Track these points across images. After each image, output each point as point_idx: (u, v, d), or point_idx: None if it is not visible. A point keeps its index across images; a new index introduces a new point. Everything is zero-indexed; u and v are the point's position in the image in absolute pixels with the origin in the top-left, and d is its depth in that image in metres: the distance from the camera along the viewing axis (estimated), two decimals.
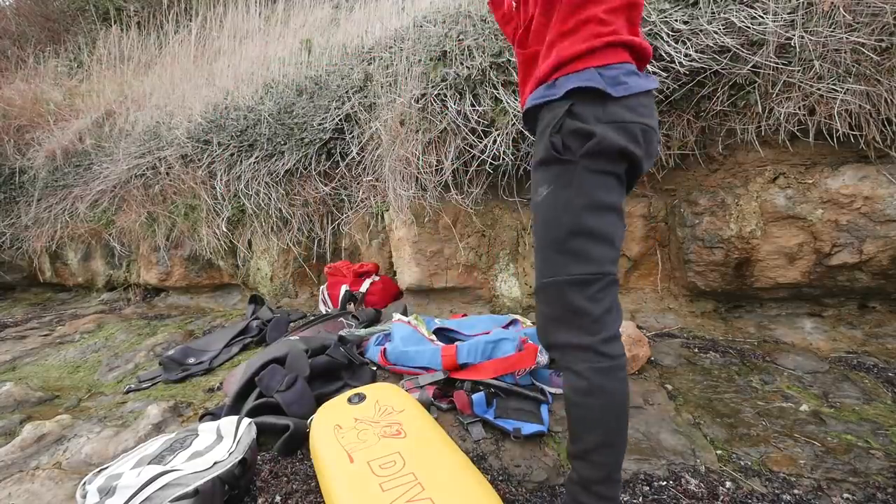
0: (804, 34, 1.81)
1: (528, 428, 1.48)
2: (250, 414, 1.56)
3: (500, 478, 1.34)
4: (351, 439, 1.29)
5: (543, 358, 1.68)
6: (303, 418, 1.61)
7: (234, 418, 1.43)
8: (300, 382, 1.71)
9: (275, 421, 1.50)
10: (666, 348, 2.04)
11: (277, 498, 1.30)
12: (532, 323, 2.09)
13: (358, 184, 2.78)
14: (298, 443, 1.48)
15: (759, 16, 1.87)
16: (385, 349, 1.98)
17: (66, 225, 3.86)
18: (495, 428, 1.52)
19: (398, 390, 1.53)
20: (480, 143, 2.29)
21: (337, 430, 1.34)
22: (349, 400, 1.47)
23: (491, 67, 2.28)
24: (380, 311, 2.66)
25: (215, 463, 1.25)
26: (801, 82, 1.85)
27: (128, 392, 2.14)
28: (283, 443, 1.46)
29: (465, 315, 2.43)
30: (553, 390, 1.71)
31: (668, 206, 2.29)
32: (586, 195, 0.92)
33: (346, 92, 2.78)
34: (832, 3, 1.77)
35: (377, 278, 2.81)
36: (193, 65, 4.30)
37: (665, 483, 1.29)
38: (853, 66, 1.79)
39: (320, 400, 1.73)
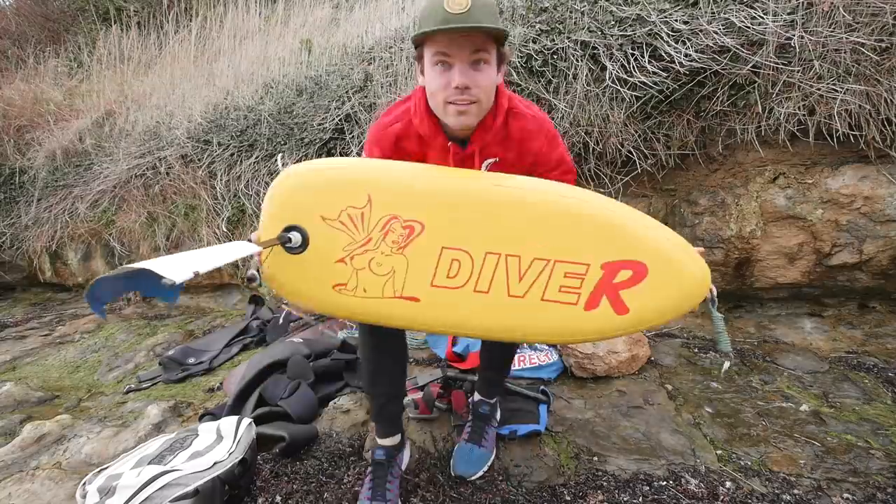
0: (804, 34, 1.81)
1: (524, 429, 1.48)
2: (255, 423, 1.57)
3: (500, 478, 1.34)
4: (374, 283, 0.95)
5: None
6: (307, 421, 1.62)
7: (234, 418, 1.44)
8: (303, 387, 1.72)
9: (272, 432, 1.51)
10: (666, 348, 2.04)
11: (277, 498, 1.30)
12: None
13: None
14: (296, 449, 1.49)
15: (759, 16, 1.88)
16: None
17: (66, 225, 3.85)
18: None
19: (323, 173, 1.02)
20: None
21: (342, 291, 0.96)
22: (290, 250, 0.96)
23: None
24: None
25: (215, 463, 1.25)
26: (801, 82, 1.85)
27: (128, 392, 2.14)
28: (280, 452, 1.47)
29: None
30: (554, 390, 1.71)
31: (668, 206, 2.29)
32: None
33: (346, 92, 2.78)
34: (832, 3, 1.77)
35: None
36: (193, 65, 4.30)
37: (665, 483, 1.29)
38: (853, 66, 1.79)
39: (323, 402, 1.74)
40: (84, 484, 1.26)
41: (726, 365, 1.00)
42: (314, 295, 0.99)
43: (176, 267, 0.71)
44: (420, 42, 0.95)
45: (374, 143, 1.11)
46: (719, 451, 1.41)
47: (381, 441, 1.27)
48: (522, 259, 0.91)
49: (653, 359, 1.96)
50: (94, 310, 0.80)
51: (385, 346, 1.15)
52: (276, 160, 1.09)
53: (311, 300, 1.01)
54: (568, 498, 1.26)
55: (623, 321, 0.89)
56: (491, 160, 1.05)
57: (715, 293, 0.95)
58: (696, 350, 2.02)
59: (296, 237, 0.96)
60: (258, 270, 0.96)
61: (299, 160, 2.87)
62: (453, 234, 0.94)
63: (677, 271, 0.90)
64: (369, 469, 1.25)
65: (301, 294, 1.00)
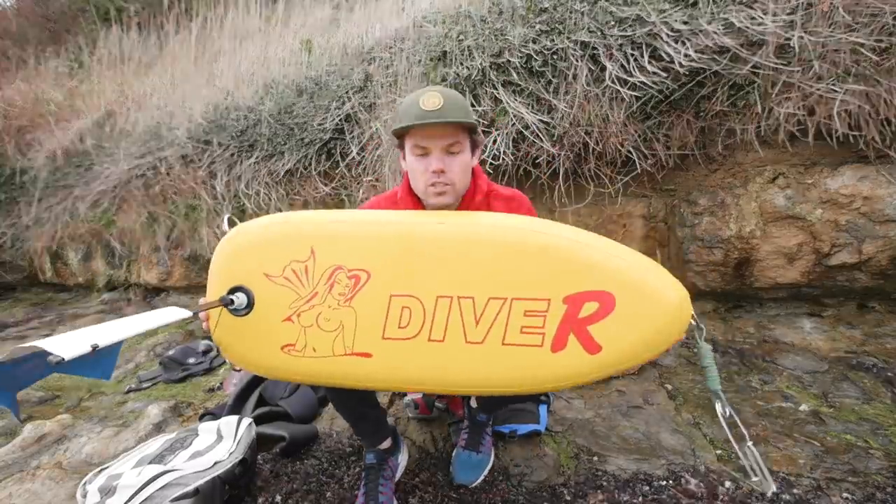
0: (804, 34, 1.81)
1: (524, 428, 1.48)
2: (255, 422, 1.57)
3: (500, 478, 1.34)
4: (322, 341, 0.90)
5: None
6: (307, 421, 1.63)
7: (235, 418, 1.44)
8: (303, 387, 1.72)
9: (272, 431, 1.51)
10: None
11: (277, 498, 1.30)
12: None
13: (358, 184, 2.78)
14: (296, 449, 1.49)
15: (759, 16, 1.88)
16: None
17: (66, 225, 3.86)
18: (494, 433, 1.51)
19: (262, 232, 0.99)
20: None
21: (291, 351, 0.92)
22: (235, 312, 0.94)
23: (491, 67, 2.29)
24: None
25: (216, 463, 1.26)
26: (801, 82, 1.86)
27: (128, 392, 2.14)
28: (280, 452, 1.47)
29: None
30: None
31: (667, 206, 2.29)
32: None
33: (346, 92, 2.79)
34: (832, 3, 1.77)
35: None
36: (194, 65, 4.31)
37: (665, 483, 1.29)
38: (852, 66, 1.79)
39: (323, 402, 1.74)
40: (84, 483, 1.26)
41: (719, 407, 0.86)
42: (263, 359, 0.94)
43: (71, 342, 0.67)
44: (400, 135, 1.07)
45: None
46: (719, 451, 1.42)
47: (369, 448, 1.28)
48: (476, 300, 0.84)
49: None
50: (3, 404, 0.77)
51: None
52: (223, 220, 1.08)
53: (259, 366, 0.96)
54: (568, 498, 1.26)
55: (596, 361, 0.78)
56: None
57: (699, 322, 0.85)
58: (695, 350, 2.02)
59: (241, 298, 0.93)
60: (209, 338, 0.94)
61: (299, 160, 2.87)
62: (401, 279, 0.89)
63: (649, 298, 0.80)
64: (362, 474, 1.26)
65: (249, 359, 0.96)
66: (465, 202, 1.13)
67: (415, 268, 0.89)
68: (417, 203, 1.14)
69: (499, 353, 0.81)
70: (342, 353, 0.89)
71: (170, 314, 0.85)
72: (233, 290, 0.95)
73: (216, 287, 0.97)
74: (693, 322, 0.83)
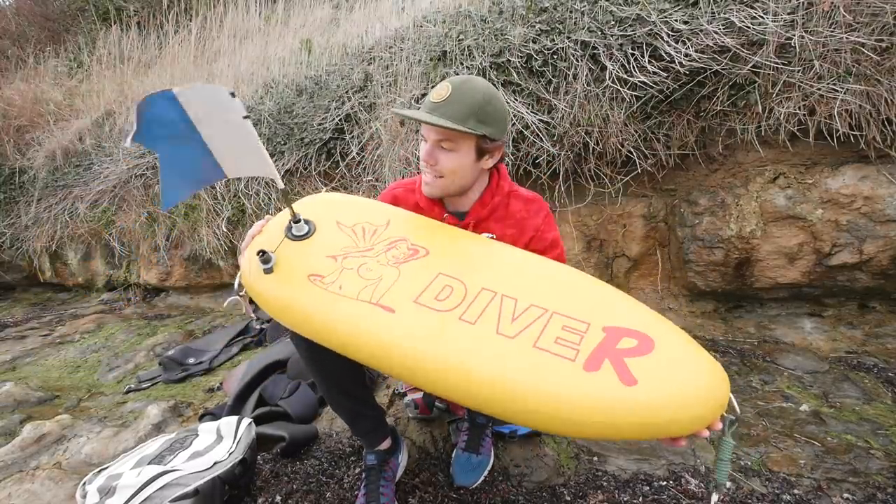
0: (804, 34, 1.81)
1: (524, 429, 1.48)
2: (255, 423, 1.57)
3: (500, 478, 1.34)
4: (353, 284, 0.88)
5: None
6: (307, 421, 1.63)
7: (234, 418, 1.44)
8: (302, 387, 1.72)
9: (272, 431, 1.51)
10: None
11: (277, 498, 1.30)
12: None
13: (358, 184, 2.78)
14: (296, 449, 1.49)
15: (759, 16, 1.88)
16: None
17: (66, 225, 3.85)
18: (494, 433, 1.51)
19: (353, 199, 1.11)
20: None
21: (316, 281, 0.89)
22: (288, 235, 0.98)
23: (491, 67, 2.28)
24: None
25: (215, 463, 1.25)
26: (801, 82, 1.85)
27: (128, 392, 2.14)
28: (280, 452, 1.47)
29: None
30: None
31: (668, 206, 2.29)
32: None
33: (346, 92, 2.78)
34: (832, 3, 1.77)
35: None
36: (193, 65, 4.30)
37: (665, 483, 1.29)
38: (853, 66, 1.79)
39: (323, 402, 1.74)
40: (84, 484, 1.25)
41: (714, 498, 0.76)
42: (282, 282, 0.91)
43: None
44: None
45: (380, 198, 1.22)
46: None
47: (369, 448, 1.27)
48: (519, 302, 0.83)
49: None
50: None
51: (330, 365, 1.11)
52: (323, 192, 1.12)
53: (274, 293, 0.91)
54: (568, 498, 1.26)
55: (629, 395, 0.69)
56: (487, 235, 1.12)
57: (736, 406, 0.76)
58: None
59: (302, 226, 0.99)
60: (272, 252, 0.94)
61: (299, 160, 2.87)
62: (455, 265, 0.91)
63: (690, 351, 0.76)
64: (363, 474, 1.26)
65: (268, 283, 0.92)
66: (482, 202, 1.12)
67: (472, 261, 0.94)
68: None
69: (527, 353, 0.75)
70: (367, 299, 0.86)
71: (273, 172, 0.90)
72: (303, 220, 1.00)
73: (296, 210, 1.00)
74: (731, 402, 0.74)
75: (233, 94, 0.81)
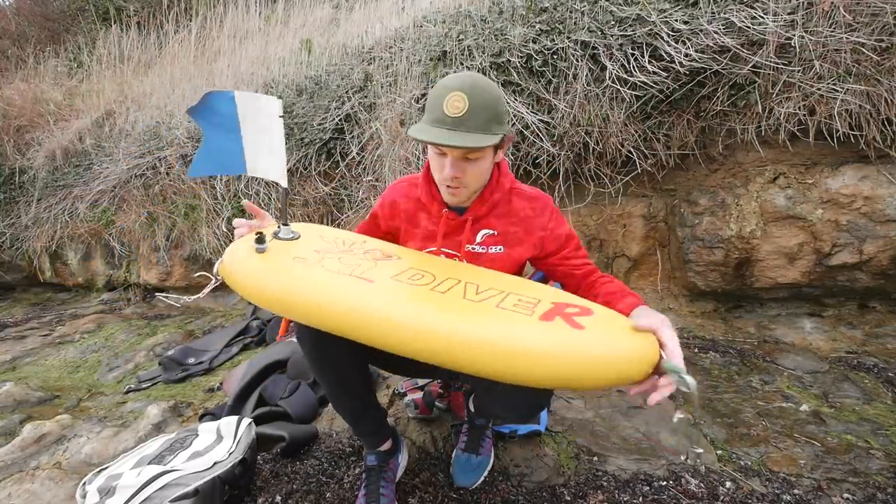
0: (804, 34, 1.81)
1: (524, 429, 1.48)
2: (255, 423, 1.57)
3: (500, 478, 1.34)
4: (335, 264, 1.00)
5: None
6: (307, 421, 1.62)
7: (234, 418, 1.43)
8: (302, 387, 1.72)
9: (272, 431, 1.51)
10: None
11: (277, 498, 1.30)
12: None
13: (358, 184, 2.78)
14: (296, 449, 1.49)
15: (759, 16, 1.88)
16: None
17: (66, 225, 3.85)
18: (493, 433, 1.51)
19: (335, 229, 1.24)
20: None
21: (299, 261, 1.00)
22: (276, 237, 1.08)
23: (491, 67, 2.28)
24: None
25: (215, 463, 1.25)
26: (801, 82, 1.85)
27: (128, 392, 2.14)
28: (280, 452, 1.47)
29: None
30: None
31: (668, 206, 2.29)
32: None
33: (346, 92, 2.78)
34: (832, 2, 1.77)
35: None
36: (193, 65, 4.30)
37: (665, 483, 1.29)
38: (853, 66, 1.79)
39: (323, 402, 1.74)
40: (84, 484, 1.25)
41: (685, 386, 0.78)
42: (269, 263, 0.99)
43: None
44: None
45: (383, 196, 1.25)
46: (719, 451, 1.41)
47: (370, 449, 1.27)
48: (480, 286, 0.96)
49: None
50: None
51: (335, 364, 1.11)
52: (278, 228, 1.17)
53: (260, 269, 0.97)
54: (568, 498, 1.26)
55: (579, 336, 0.81)
56: (487, 231, 1.13)
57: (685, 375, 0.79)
58: (696, 350, 2.02)
59: (290, 231, 1.09)
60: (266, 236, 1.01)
61: (299, 160, 2.87)
62: (424, 265, 1.04)
63: (622, 320, 0.89)
64: (363, 475, 1.26)
65: (253, 264, 0.99)
66: (482, 199, 1.11)
67: (439, 264, 1.06)
68: (434, 188, 1.14)
69: (492, 311, 0.88)
70: (347, 273, 0.96)
71: (282, 178, 1.04)
72: (292, 233, 1.09)
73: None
74: (662, 356, 0.82)
75: (279, 97, 0.98)
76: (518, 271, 1.16)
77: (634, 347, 0.82)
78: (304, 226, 1.17)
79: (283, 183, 1.03)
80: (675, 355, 0.80)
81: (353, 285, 0.92)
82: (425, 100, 1.10)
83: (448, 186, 1.05)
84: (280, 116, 0.98)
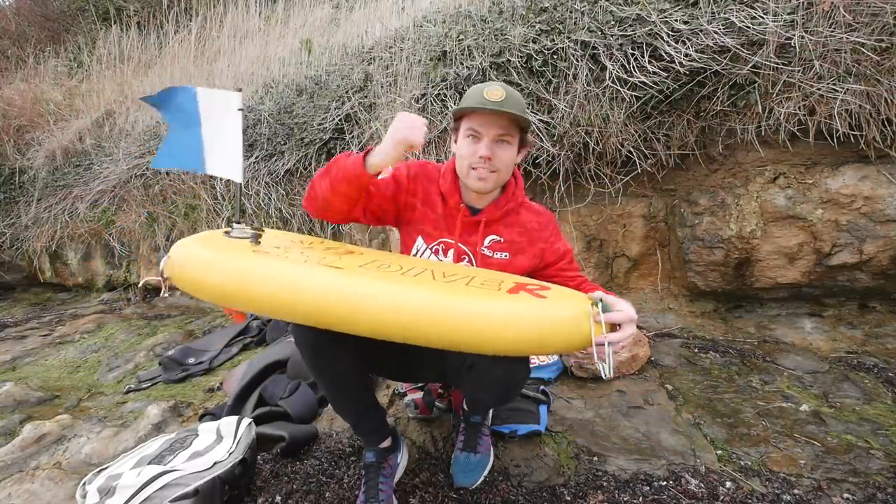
0: (804, 34, 1.81)
1: (524, 429, 1.48)
2: (255, 423, 1.57)
3: (500, 478, 1.34)
4: (298, 257, 1.00)
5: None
6: (307, 421, 1.62)
7: (234, 418, 1.43)
8: (302, 387, 1.72)
9: (272, 431, 1.51)
10: (666, 348, 2.04)
11: (277, 498, 1.30)
12: None
13: None
14: (296, 449, 1.49)
15: (759, 16, 1.88)
16: None
17: (66, 225, 3.85)
18: (493, 433, 1.51)
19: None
20: None
21: (259, 252, 0.99)
22: (253, 239, 1.07)
23: (491, 67, 2.28)
24: None
25: (215, 463, 1.25)
26: (801, 82, 1.85)
27: (128, 392, 2.14)
28: (280, 452, 1.47)
29: None
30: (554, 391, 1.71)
31: (668, 206, 2.29)
32: None
33: (346, 92, 2.78)
34: (832, 2, 1.77)
35: None
36: (193, 65, 4.30)
37: (665, 483, 1.28)
38: (853, 66, 1.79)
39: (323, 402, 1.74)
40: (84, 484, 1.25)
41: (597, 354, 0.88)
42: (229, 259, 0.95)
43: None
44: (459, 116, 1.14)
45: (406, 165, 1.25)
46: (719, 451, 1.41)
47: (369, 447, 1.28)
48: (447, 272, 1.01)
49: (653, 359, 1.96)
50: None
51: (334, 370, 1.12)
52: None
53: (220, 268, 0.94)
54: (568, 498, 1.26)
55: (543, 304, 0.90)
56: (494, 237, 1.19)
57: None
58: (696, 350, 2.02)
59: (245, 230, 1.07)
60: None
61: (299, 160, 2.87)
62: (389, 258, 1.08)
63: (578, 294, 1.00)
64: (362, 472, 1.26)
65: (211, 260, 0.96)
66: (497, 204, 1.19)
67: (402, 258, 1.10)
68: (456, 183, 1.19)
69: (462, 289, 0.93)
70: (315, 262, 0.96)
71: (237, 172, 1.04)
72: (256, 233, 1.08)
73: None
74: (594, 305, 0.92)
75: (239, 90, 0.98)
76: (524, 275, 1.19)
77: (580, 326, 0.88)
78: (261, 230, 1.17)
79: (238, 178, 1.04)
80: (614, 304, 0.91)
81: (323, 272, 0.92)
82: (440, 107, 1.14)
83: (476, 170, 1.11)
84: (239, 110, 0.99)
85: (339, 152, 2.76)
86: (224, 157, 1.06)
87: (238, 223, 1.06)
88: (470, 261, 1.18)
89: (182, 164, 1.16)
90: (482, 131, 1.09)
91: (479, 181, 1.12)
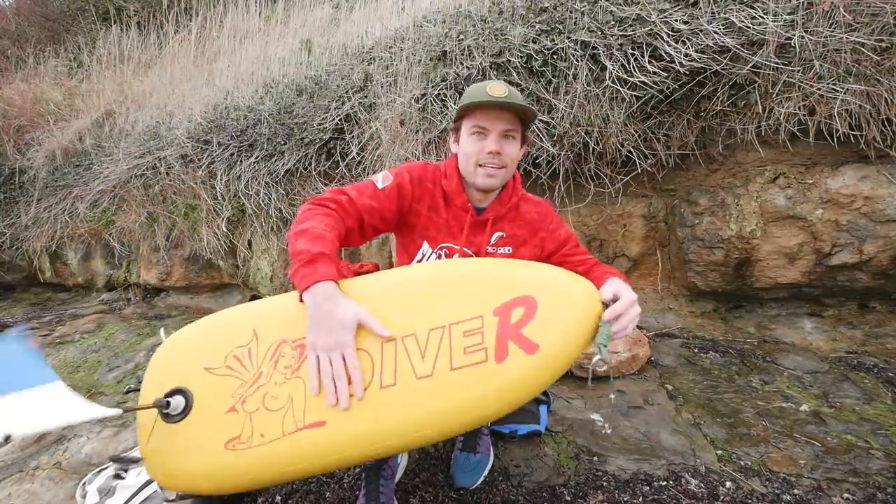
0: (804, 34, 1.81)
1: (524, 429, 1.48)
2: None
3: (500, 478, 1.34)
4: (271, 423, 0.85)
5: None
6: None
7: None
8: None
9: None
10: (666, 348, 2.04)
11: (277, 498, 1.30)
12: None
13: None
14: None
15: (759, 16, 1.87)
16: None
17: (66, 225, 3.85)
18: (493, 432, 1.51)
19: (203, 327, 1.02)
20: None
21: (236, 446, 0.85)
22: (169, 422, 0.88)
23: (491, 67, 2.28)
24: None
25: None
26: (801, 82, 1.85)
27: (128, 392, 2.13)
28: None
29: None
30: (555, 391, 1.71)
31: (668, 206, 2.29)
32: None
33: (346, 92, 2.78)
34: (832, 2, 1.77)
35: None
36: (193, 65, 4.30)
37: (665, 483, 1.29)
38: (853, 65, 1.79)
39: None
40: (84, 484, 1.25)
41: (595, 359, 0.89)
42: (202, 464, 0.84)
43: None
44: (462, 115, 1.14)
45: (407, 169, 1.19)
46: (719, 451, 1.41)
47: None
48: (418, 335, 0.87)
49: (653, 359, 1.96)
50: None
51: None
52: (160, 332, 0.99)
53: (197, 475, 0.84)
54: (568, 498, 1.26)
55: (537, 360, 0.82)
56: (499, 234, 1.19)
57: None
58: (696, 350, 2.02)
59: (177, 401, 0.87)
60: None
61: (299, 160, 2.87)
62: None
63: (563, 290, 0.90)
64: (362, 475, 1.26)
65: (185, 470, 0.85)
66: (500, 201, 1.19)
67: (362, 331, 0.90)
68: (460, 182, 1.18)
69: (449, 381, 0.83)
70: (293, 429, 0.83)
71: (95, 411, 0.77)
72: (171, 394, 0.88)
73: (151, 392, 0.90)
74: (603, 307, 0.91)
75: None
76: None
77: (584, 328, 0.86)
78: (173, 359, 0.97)
79: (112, 411, 0.79)
80: (615, 311, 0.89)
81: (308, 445, 0.82)
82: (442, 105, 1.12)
83: (483, 167, 1.11)
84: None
85: (339, 152, 2.76)
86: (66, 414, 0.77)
87: (167, 406, 0.87)
88: None
89: None
90: (489, 126, 1.10)
91: (487, 178, 1.12)
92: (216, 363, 0.92)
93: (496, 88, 1.08)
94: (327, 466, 0.85)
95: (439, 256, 1.19)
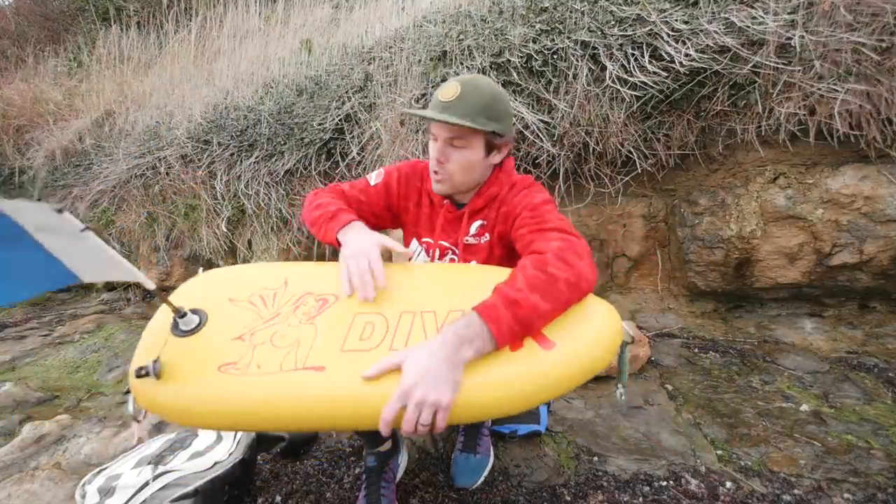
0: (804, 34, 1.81)
1: (524, 429, 1.48)
2: None
3: (500, 478, 1.34)
4: (271, 357, 0.82)
5: None
6: None
7: None
8: None
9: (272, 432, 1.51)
10: (666, 348, 2.04)
11: (277, 498, 1.30)
12: None
13: None
14: (296, 449, 1.49)
15: (760, 16, 1.87)
16: None
17: None
18: (493, 433, 1.51)
19: (240, 269, 1.05)
20: None
21: (229, 370, 0.81)
22: (175, 333, 0.87)
23: (491, 67, 2.28)
24: None
25: (215, 463, 1.25)
26: (802, 82, 1.85)
27: (128, 392, 2.14)
28: (280, 452, 1.47)
29: None
30: None
31: (668, 206, 2.29)
32: None
33: (346, 92, 2.78)
34: (832, 2, 1.77)
35: None
36: (193, 65, 4.30)
37: (665, 483, 1.28)
38: (853, 65, 1.79)
39: None
40: (83, 484, 1.25)
41: (620, 389, 0.97)
42: (188, 386, 0.80)
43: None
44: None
45: (398, 168, 1.22)
46: (719, 452, 1.41)
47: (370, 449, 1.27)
48: (438, 313, 0.87)
49: (653, 359, 1.96)
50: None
51: None
52: (199, 270, 1.01)
53: (181, 393, 0.80)
54: (568, 498, 1.26)
55: (553, 357, 0.80)
56: (479, 222, 1.15)
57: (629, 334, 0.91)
58: (696, 350, 2.02)
59: (191, 318, 0.86)
60: (155, 362, 0.81)
61: (299, 160, 2.87)
62: (369, 306, 0.91)
63: (585, 305, 0.88)
64: (363, 476, 1.26)
65: (172, 383, 0.80)
66: (479, 194, 1.13)
67: (381, 293, 0.93)
68: None
69: None
70: (291, 368, 0.80)
71: (135, 275, 0.77)
72: (190, 312, 0.88)
73: (174, 302, 0.89)
74: (624, 329, 0.90)
75: (60, 211, 0.70)
76: (508, 253, 1.12)
77: (603, 342, 0.85)
78: (203, 284, 0.98)
79: (148, 284, 0.80)
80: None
81: (305, 385, 0.79)
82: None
83: (435, 172, 1.09)
84: (83, 229, 0.71)
85: (339, 152, 2.76)
86: (103, 266, 0.77)
87: (182, 317, 0.86)
88: (454, 254, 1.16)
89: (44, 287, 0.79)
90: (435, 133, 1.05)
91: (435, 184, 1.10)
92: (241, 296, 0.94)
93: (446, 91, 1.01)
94: (318, 419, 0.80)
95: (426, 251, 1.20)
